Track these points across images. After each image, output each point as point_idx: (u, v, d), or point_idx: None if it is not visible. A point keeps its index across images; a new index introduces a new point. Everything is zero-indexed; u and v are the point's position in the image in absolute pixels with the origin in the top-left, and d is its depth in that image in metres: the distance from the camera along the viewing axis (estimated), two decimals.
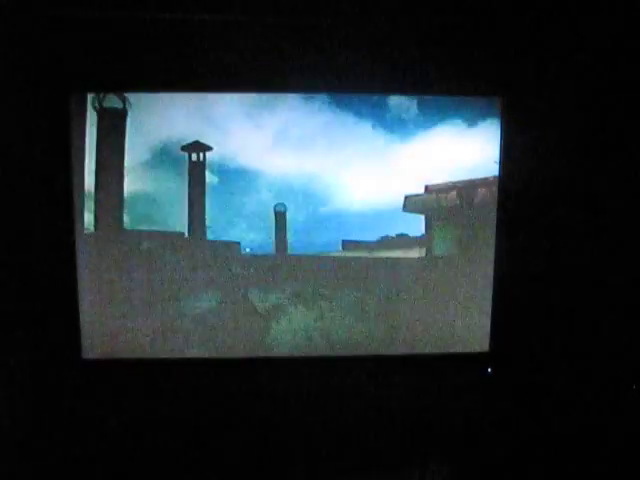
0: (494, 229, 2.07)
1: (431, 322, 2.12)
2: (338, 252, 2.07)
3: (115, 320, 2.02)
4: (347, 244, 2.07)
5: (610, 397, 2.07)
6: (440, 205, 2.08)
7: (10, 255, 1.92)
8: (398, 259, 2.09)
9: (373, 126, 2.02)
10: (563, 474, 2.06)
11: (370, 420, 2.09)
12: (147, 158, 1.98)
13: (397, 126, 2.02)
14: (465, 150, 2.04)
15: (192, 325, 2.05)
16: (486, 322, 2.11)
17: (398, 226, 2.08)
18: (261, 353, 2.07)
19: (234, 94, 1.98)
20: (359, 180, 2.04)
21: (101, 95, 1.95)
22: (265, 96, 1.98)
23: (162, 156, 1.98)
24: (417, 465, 2.08)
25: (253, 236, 2.04)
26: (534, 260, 2.05)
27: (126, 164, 1.97)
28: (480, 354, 2.12)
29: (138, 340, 2.03)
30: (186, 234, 2.03)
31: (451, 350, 2.12)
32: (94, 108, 1.95)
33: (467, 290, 2.11)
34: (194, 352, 2.06)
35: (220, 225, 2.03)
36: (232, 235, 2.03)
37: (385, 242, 2.08)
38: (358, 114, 2.01)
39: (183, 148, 1.98)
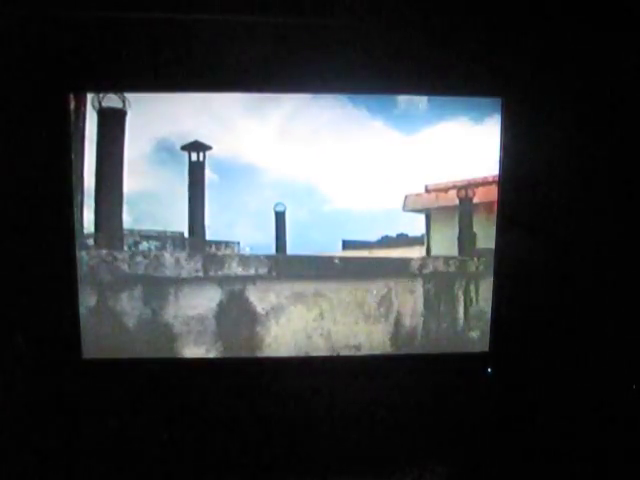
0: (494, 229, 2.07)
1: (431, 322, 2.12)
2: (338, 252, 2.08)
3: (115, 320, 2.02)
4: (347, 244, 2.07)
5: (610, 397, 2.07)
6: (440, 205, 2.08)
7: (10, 255, 1.92)
8: (398, 259, 2.10)
9: (373, 126, 2.02)
10: (563, 474, 2.06)
11: (369, 420, 2.09)
12: (147, 158, 1.98)
13: (398, 125, 2.02)
14: (465, 150, 2.05)
15: (192, 325, 2.04)
16: (486, 322, 2.12)
17: (398, 226, 2.08)
18: (261, 353, 2.07)
19: (235, 94, 1.98)
20: (359, 180, 2.04)
21: (101, 95, 1.94)
22: (265, 95, 1.98)
23: (162, 156, 1.98)
24: (416, 465, 2.08)
25: (253, 236, 2.04)
26: (534, 260, 2.05)
27: (126, 164, 1.97)
28: (480, 354, 2.13)
29: (138, 340, 2.03)
30: (186, 234, 2.03)
31: (451, 350, 2.13)
32: (94, 108, 1.95)
33: (467, 290, 2.11)
34: (194, 352, 2.05)
35: (220, 225, 2.03)
36: (232, 235, 2.04)
37: (385, 242, 2.08)
38: (359, 114, 2.01)
39: (183, 148, 1.98)
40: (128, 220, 1.99)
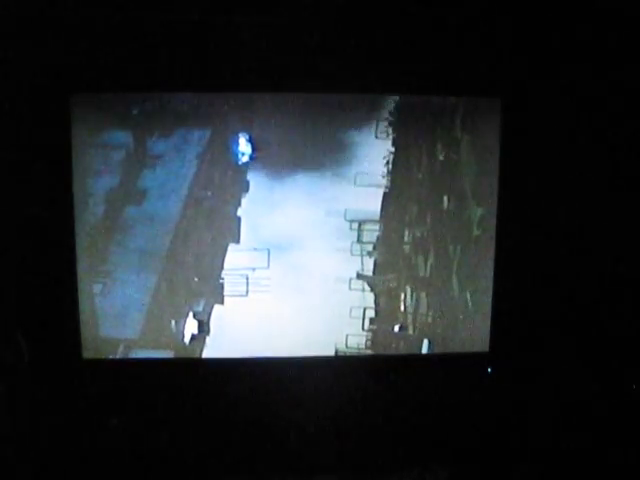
0: (494, 228, 2.07)
1: (431, 322, 2.12)
2: None
3: (115, 320, 2.02)
4: None
5: (610, 397, 2.07)
6: (440, 205, 2.08)
7: (10, 255, 1.92)
8: (398, 259, 2.09)
9: (372, 126, 2.02)
10: (563, 474, 2.06)
11: (369, 420, 2.09)
12: (147, 157, 1.98)
13: (395, 126, 2.02)
14: (465, 150, 2.05)
15: (192, 325, 2.04)
16: (486, 322, 2.12)
17: None
18: (261, 353, 2.07)
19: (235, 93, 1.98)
20: (359, 180, 2.04)
21: (101, 95, 1.95)
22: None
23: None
24: (416, 465, 2.08)
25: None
26: (534, 260, 2.05)
27: (125, 163, 1.97)
28: (480, 354, 2.13)
29: (138, 340, 2.03)
30: None
31: (451, 350, 2.13)
32: (95, 108, 1.95)
33: (467, 290, 2.11)
34: (194, 352, 2.05)
35: None
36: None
37: None
38: (358, 114, 2.02)
39: (183, 147, 1.98)
40: (128, 220, 1.99)
